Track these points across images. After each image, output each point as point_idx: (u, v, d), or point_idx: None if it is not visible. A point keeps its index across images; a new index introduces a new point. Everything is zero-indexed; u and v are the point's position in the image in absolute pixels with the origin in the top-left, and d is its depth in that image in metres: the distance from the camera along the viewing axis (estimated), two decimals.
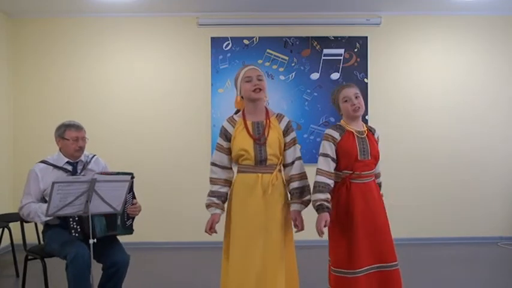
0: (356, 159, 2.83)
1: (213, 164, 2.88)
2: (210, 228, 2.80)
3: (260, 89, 2.77)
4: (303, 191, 2.80)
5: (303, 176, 2.82)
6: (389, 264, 2.84)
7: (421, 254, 5.18)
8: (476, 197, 5.75)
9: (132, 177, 3.12)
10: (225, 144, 2.85)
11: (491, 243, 5.60)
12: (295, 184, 2.79)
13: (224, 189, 2.85)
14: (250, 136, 2.76)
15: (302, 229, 2.77)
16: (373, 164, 2.91)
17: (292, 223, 2.78)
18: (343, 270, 2.80)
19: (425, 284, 4.21)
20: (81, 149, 3.31)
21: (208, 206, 2.84)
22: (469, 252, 5.28)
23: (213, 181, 2.87)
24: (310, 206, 2.85)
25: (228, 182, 2.88)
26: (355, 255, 2.78)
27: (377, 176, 3.01)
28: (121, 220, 3.15)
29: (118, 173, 3.09)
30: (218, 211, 2.82)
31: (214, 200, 2.83)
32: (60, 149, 3.33)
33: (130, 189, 3.18)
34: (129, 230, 3.23)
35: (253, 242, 2.69)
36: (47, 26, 5.63)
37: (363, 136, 2.89)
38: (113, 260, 3.10)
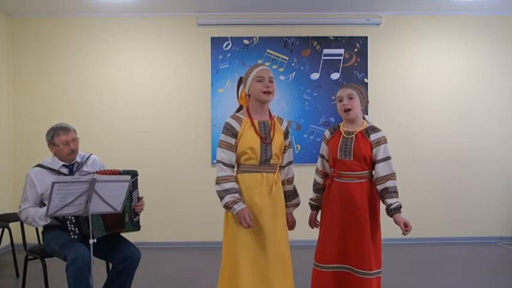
0: (335, 158, 2.91)
1: (221, 162, 2.76)
2: (251, 221, 2.66)
3: (270, 92, 2.79)
4: (294, 194, 2.99)
5: (293, 180, 2.99)
6: (361, 270, 2.79)
7: (421, 254, 5.18)
8: (476, 197, 5.75)
9: (136, 175, 3.18)
10: (233, 141, 2.77)
11: (491, 243, 5.60)
12: (289, 187, 2.96)
13: (238, 186, 2.76)
14: (258, 135, 2.77)
15: (292, 229, 2.99)
16: (356, 166, 2.86)
17: (289, 224, 2.95)
18: (315, 262, 2.95)
19: (426, 284, 4.21)
20: (74, 152, 3.26)
21: (233, 202, 2.67)
22: (469, 252, 5.28)
23: (225, 179, 2.73)
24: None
25: (237, 180, 2.81)
26: (324, 250, 2.91)
27: (379, 180, 2.86)
28: (129, 217, 3.16)
29: (122, 172, 3.09)
30: (245, 205, 2.70)
31: (238, 195, 2.70)
32: (54, 154, 3.29)
33: (136, 187, 3.18)
34: (137, 227, 3.24)
35: (262, 240, 2.71)
36: (47, 26, 5.63)
37: (349, 136, 2.90)
38: (124, 255, 3.10)
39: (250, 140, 2.75)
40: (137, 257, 3.14)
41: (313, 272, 2.95)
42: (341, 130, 2.95)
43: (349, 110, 2.89)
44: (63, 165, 3.26)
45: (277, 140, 2.81)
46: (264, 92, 2.77)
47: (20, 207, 3.20)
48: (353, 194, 2.84)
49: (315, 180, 3.10)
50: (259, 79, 2.78)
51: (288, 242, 2.86)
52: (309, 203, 3.12)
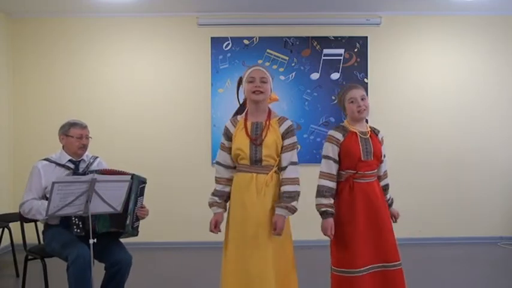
0: (359, 159, 2.85)
1: (217, 163, 2.93)
2: (215, 227, 2.84)
3: (261, 92, 2.77)
4: (292, 196, 2.72)
5: (295, 181, 2.75)
6: (392, 263, 2.85)
7: (421, 254, 5.18)
8: (477, 197, 5.75)
9: (145, 183, 3.22)
10: (227, 143, 2.88)
11: (491, 243, 5.60)
12: (286, 188, 2.73)
13: (227, 189, 2.88)
14: (248, 136, 2.78)
15: (279, 234, 2.67)
16: (376, 165, 2.93)
17: (273, 226, 2.68)
18: (345, 269, 2.80)
19: (426, 284, 4.21)
20: (84, 147, 3.32)
21: (210, 205, 2.88)
22: (469, 252, 5.28)
23: (217, 180, 2.91)
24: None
25: (231, 181, 2.88)
26: (358, 254, 2.79)
27: (382, 177, 3.03)
28: (130, 220, 3.16)
29: (133, 175, 3.10)
30: (220, 210, 2.86)
31: (216, 199, 2.87)
32: (63, 147, 3.34)
33: (142, 193, 3.23)
34: (135, 232, 3.25)
35: (246, 242, 2.70)
36: (47, 26, 5.63)
37: (366, 137, 2.91)
38: (115, 259, 3.10)
39: (239, 141, 2.80)
40: (127, 261, 3.13)
41: (341, 279, 2.81)
42: (355, 130, 2.90)
43: (365, 110, 2.91)
44: (70, 160, 3.30)
45: (270, 141, 2.76)
46: (254, 92, 2.77)
47: (22, 198, 3.21)
48: (376, 192, 2.90)
49: (327, 186, 2.82)
50: (251, 79, 2.80)
51: (286, 241, 2.79)
52: (327, 211, 2.81)
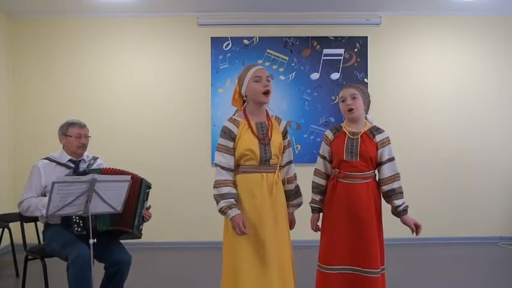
0: (342, 159, 2.89)
1: (220, 166, 2.75)
2: (245, 228, 2.65)
3: (269, 92, 2.76)
4: (296, 192, 2.93)
5: (294, 179, 2.93)
6: (368, 270, 2.80)
7: (421, 254, 5.18)
8: (476, 197, 5.75)
9: (150, 187, 3.27)
10: (231, 145, 2.76)
11: (491, 243, 5.60)
12: (290, 186, 2.90)
13: (235, 190, 2.74)
14: (255, 136, 2.75)
15: (291, 229, 2.91)
16: (363, 166, 2.87)
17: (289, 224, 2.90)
18: (320, 264, 2.92)
19: (426, 284, 4.21)
20: (84, 146, 3.34)
21: (228, 208, 2.66)
22: (469, 252, 5.28)
23: (223, 183, 2.72)
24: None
25: (235, 184, 2.79)
26: (330, 252, 2.88)
27: (384, 181, 2.90)
28: (137, 221, 3.18)
29: (143, 179, 3.20)
30: (239, 210, 2.69)
31: (233, 201, 2.69)
32: (63, 147, 3.36)
33: (147, 197, 3.26)
34: (140, 234, 3.27)
35: (265, 240, 2.69)
36: (47, 26, 5.64)
37: (354, 137, 2.89)
38: (115, 259, 3.10)
39: (248, 142, 2.74)
40: (127, 261, 3.14)
41: (318, 273, 2.92)
42: (345, 130, 2.93)
43: (353, 109, 2.89)
44: (70, 160, 3.32)
45: (276, 140, 2.79)
46: (264, 93, 2.74)
47: (21, 196, 3.21)
48: (360, 194, 2.85)
49: (315, 182, 3.03)
50: (257, 79, 2.75)
51: (290, 244, 2.83)
52: (311, 206, 3.05)
